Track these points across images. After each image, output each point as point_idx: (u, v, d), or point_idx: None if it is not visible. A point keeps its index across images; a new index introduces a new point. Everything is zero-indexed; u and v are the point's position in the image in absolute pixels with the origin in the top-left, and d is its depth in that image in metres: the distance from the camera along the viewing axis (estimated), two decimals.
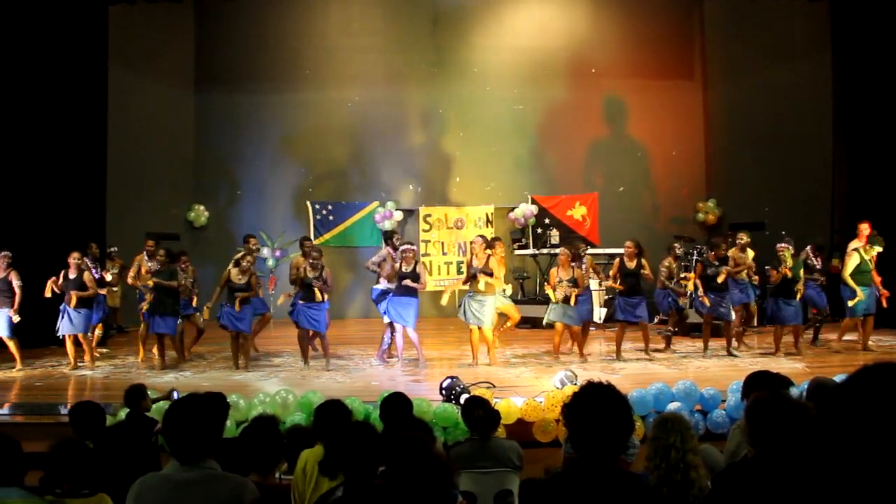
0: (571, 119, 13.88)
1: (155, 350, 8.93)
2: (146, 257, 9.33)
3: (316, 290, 8.24)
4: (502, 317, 9.15)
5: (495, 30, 13.79)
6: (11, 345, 8.65)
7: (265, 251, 11.17)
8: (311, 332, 8.63)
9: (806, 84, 12.11)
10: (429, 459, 2.38)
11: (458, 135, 13.76)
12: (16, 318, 8.55)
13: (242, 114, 13.61)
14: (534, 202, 13.40)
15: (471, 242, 8.86)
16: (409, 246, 8.68)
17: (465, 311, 8.48)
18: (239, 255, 8.71)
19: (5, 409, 6.73)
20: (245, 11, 13.20)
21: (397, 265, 8.67)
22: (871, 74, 10.87)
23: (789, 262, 8.59)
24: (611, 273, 8.99)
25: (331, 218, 13.57)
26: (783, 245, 8.68)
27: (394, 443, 2.49)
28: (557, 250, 9.29)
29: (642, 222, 13.25)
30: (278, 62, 13.46)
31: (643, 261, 8.86)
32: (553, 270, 8.76)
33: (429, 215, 13.54)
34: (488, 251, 8.60)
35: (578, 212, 13.45)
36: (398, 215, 13.34)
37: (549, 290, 8.69)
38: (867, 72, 10.92)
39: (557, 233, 12.84)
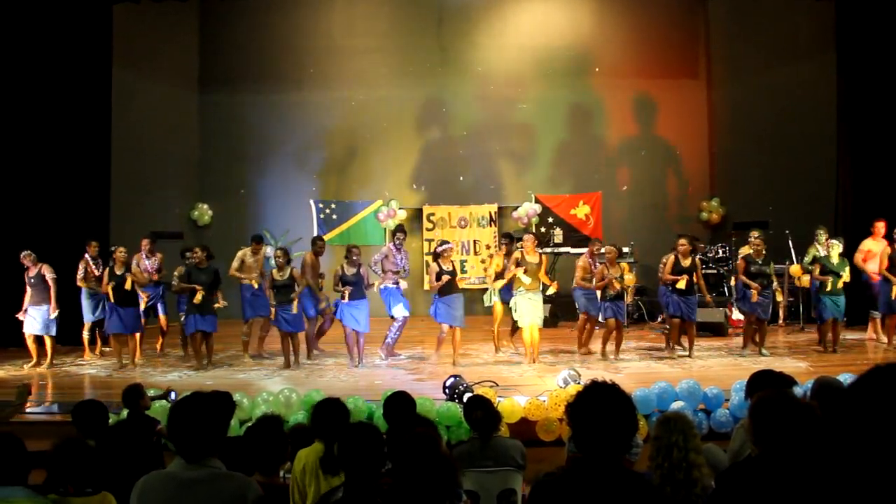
0: (575, 118, 13.87)
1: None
2: (143, 256, 9.43)
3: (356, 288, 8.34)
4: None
5: (499, 29, 13.76)
6: (48, 342, 8.75)
7: (269, 250, 11.17)
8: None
9: (810, 83, 12.05)
10: (436, 458, 2.38)
11: (462, 133, 13.75)
12: (54, 314, 8.62)
13: (246, 113, 13.61)
14: (537, 201, 13.39)
15: (520, 240, 8.86)
16: (448, 245, 8.68)
17: (518, 309, 8.37)
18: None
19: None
20: (249, 11, 13.19)
21: (397, 262, 8.75)
22: (876, 74, 10.82)
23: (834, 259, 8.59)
24: (665, 270, 8.67)
25: (334, 217, 13.58)
26: (833, 241, 8.64)
27: (401, 441, 2.49)
28: (590, 248, 9.36)
29: (646, 221, 13.25)
30: (282, 62, 13.45)
31: (696, 260, 8.78)
32: (601, 269, 8.71)
33: (432, 214, 13.54)
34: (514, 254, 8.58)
35: (582, 211, 13.43)
36: (401, 214, 13.34)
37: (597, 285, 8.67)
38: (872, 72, 10.87)
39: (561, 232, 12.84)
